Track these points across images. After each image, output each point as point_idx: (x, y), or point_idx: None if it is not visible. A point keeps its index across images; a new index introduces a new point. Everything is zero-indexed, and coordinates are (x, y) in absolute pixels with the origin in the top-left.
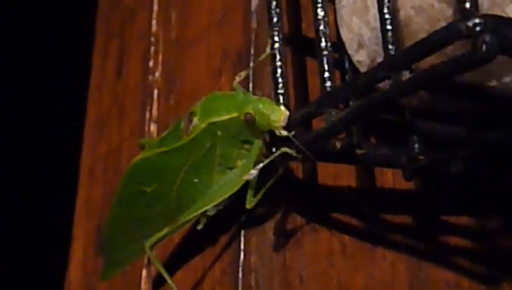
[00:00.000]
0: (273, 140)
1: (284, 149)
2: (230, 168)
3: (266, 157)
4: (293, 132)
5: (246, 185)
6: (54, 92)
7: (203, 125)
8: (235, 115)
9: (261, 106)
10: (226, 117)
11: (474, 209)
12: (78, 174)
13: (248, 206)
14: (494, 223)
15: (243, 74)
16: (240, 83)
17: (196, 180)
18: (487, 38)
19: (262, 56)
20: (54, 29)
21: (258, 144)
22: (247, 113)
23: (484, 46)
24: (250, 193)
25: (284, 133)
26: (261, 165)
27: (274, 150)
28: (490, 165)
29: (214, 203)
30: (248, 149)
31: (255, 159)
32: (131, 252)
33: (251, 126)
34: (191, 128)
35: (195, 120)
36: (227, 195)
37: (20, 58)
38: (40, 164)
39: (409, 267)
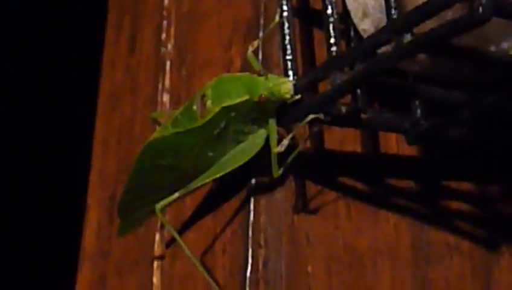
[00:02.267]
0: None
1: (312, 116)
2: (243, 141)
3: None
4: (299, 95)
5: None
6: (67, 67)
7: (217, 109)
8: (246, 97)
9: (271, 84)
10: (238, 100)
11: (475, 174)
12: (91, 146)
13: (275, 174)
14: (494, 188)
15: (255, 43)
16: None
17: (210, 153)
18: (483, 1)
19: (272, 24)
20: (68, 5)
21: (272, 121)
22: (261, 95)
23: (480, 8)
24: (274, 162)
25: (296, 98)
26: (291, 135)
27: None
28: (490, 130)
29: (226, 171)
30: (259, 124)
31: (275, 134)
32: (144, 214)
33: (265, 104)
34: (205, 111)
35: (209, 103)
36: (240, 164)
37: (35, 34)
38: (54, 137)
39: (411, 229)
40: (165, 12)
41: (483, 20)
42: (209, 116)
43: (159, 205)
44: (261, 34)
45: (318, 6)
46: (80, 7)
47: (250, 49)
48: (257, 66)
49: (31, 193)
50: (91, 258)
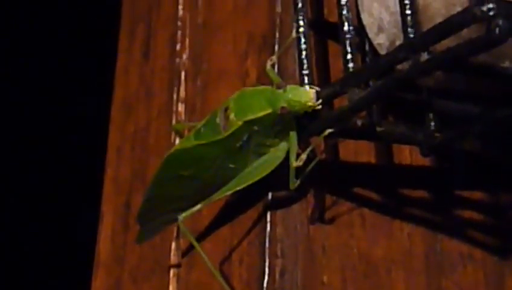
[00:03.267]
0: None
1: (329, 130)
2: (264, 154)
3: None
4: (320, 100)
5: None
6: (82, 74)
7: (240, 122)
8: (269, 111)
9: (290, 95)
10: (261, 114)
11: (487, 184)
12: (106, 153)
13: (292, 187)
14: (506, 198)
15: (273, 58)
16: (264, 67)
17: (232, 165)
18: (500, 22)
19: (289, 40)
20: (82, 13)
21: (293, 134)
22: (282, 107)
23: (497, 29)
24: (292, 174)
25: (319, 105)
26: (309, 149)
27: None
28: (503, 143)
29: (247, 184)
30: (280, 137)
31: (296, 147)
32: (164, 222)
33: (286, 117)
34: (228, 124)
35: (232, 116)
36: (260, 177)
37: (51, 42)
38: (69, 144)
39: (425, 239)
40: (179, 23)
41: (500, 41)
42: (232, 130)
43: (181, 217)
44: (276, 46)
45: (332, 18)
46: (94, 13)
47: (269, 63)
48: (276, 79)
49: (47, 200)
50: (106, 265)
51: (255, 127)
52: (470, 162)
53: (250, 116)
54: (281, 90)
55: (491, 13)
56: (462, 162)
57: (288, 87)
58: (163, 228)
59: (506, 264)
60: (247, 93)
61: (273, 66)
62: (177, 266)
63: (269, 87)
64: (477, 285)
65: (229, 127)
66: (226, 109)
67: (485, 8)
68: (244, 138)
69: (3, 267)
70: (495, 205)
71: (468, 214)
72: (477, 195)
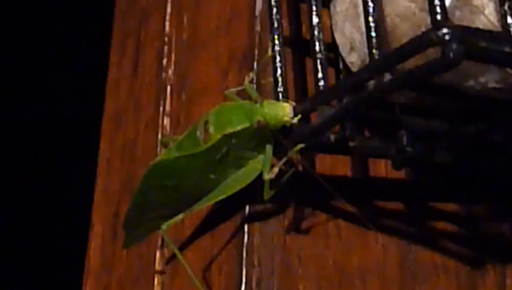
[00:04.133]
0: (285, 141)
1: (300, 145)
2: (243, 166)
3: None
4: (299, 116)
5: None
6: (72, 87)
7: (219, 136)
8: (246, 125)
9: (266, 110)
10: (239, 127)
11: (460, 196)
12: (96, 164)
13: (265, 197)
14: (479, 209)
15: (251, 74)
16: (243, 82)
17: (212, 176)
18: (454, 46)
19: (265, 58)
20: (74, 28)
21: (269, 148)
22: (258, 121)
23: (451, 53)
24: (266, 186)
25: (295, 120)
26: (282, 162)
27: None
28: (472, 155)
29: (227, 195)
30: (258, 150)
31: (270, 161)
32: (149, 229)
33: (263, 130)
34: (207, 137)
35: (211, 130)
36: (239, 188)
37: (44, 55)
38: (60, 155)
39: (399, 249)
40: (166, 39)
41: (454, 64)
42: (211, 142)
43: (164, 226)
44: (255, 63)
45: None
46: (86, 27)
47: (247, 79)
48: (254, 94)
49: (38, 209)
50: (95, 273)
51: (234, 140)
52: (443, 176)
53: (229, 130)
54: (257, 105)
55: (446, 38)
56: (435, 175)
57: (265, 102)
58: (148, 234)
59: (479, 274)
60: (226, 108)
61: (251, 81)
62: (162, 274)
63: (248, 101)
64: None
65: (209, 140)
66: (206, 123)
67: (440, 33)
68: (223, 151)
69: None
70: (467, 216)
71: (441, 225)
72: (450, 207)
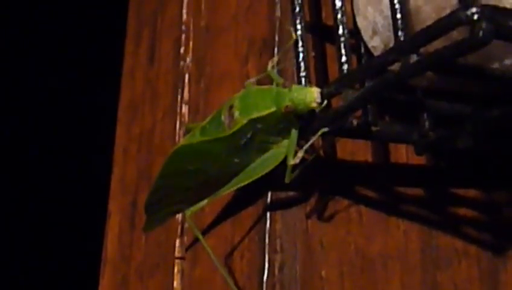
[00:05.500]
0: (310, 125)
1: (323, 129)
2: (267, 150)
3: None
4: (326, 101)
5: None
6: (88, 78)
7: (245, 120)
8: (273, 109)
9: (295, 94)
10: (266, 112)
11: (482, 182)
12: (113, 153)
13: (287, 180)
14: (500, 195)
15: (274, 59)
16: (264, 69)
17: (236, 160)
18: (484, 25)
19: (289, 44)
20: (90, 17)
21: (294, 132)
22: (286, 106)
23: (481, 32)
24: (289, 169)
25: (323, 105)
26: (305, 147)
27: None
28: (495, 140)
29: (251, 179)
30: (283, 135)
31: (295, 146)
32: (170, 212)
33: (289, 115)
34: (232, 122)
35: (236, 114)
36: (264, 172)
37: (62, 45)
38: (77, 145)
39: (420, 235)
40: (183, 27)
41: (483, 43)
42: (236, 127)
43: (188, 212)
44: (276, 49)
45: (330, 22)
46: (102, 17)
47: (270, 64)
48: (278, 79)
49: (56, 199)
50: (113, 263)
51: (259, 125)
52: (465, 161)
53: (255, 115)
54: (286, 90)
55: (475, 17)
56: (457, 160)
57: (293, 86)
58: (169, 217)
59: (500, 260)
60: (252, 92)
61: (273, 67)
62: (182, 262)
63: (274, 86)
64: (471, 280)
65: (234, 125)
66: (231, 107)
67: (469, 12)
68: (248, 135)
69: (15, 265)
70: (489, 202)
71: (463, 211)
72: (471, 192)
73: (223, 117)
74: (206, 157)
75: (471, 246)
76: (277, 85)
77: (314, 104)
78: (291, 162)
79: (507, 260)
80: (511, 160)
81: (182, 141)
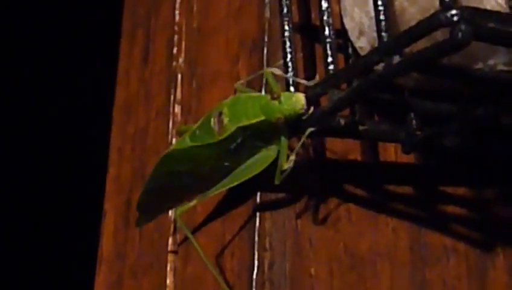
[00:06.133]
0: (296, 127)
1: (310, 129)
2: (256, 153)
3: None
4: (312, 107)
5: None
6: (83, 76)
7: (233, 128)
8: (262, 118)
9: (285, 106)
10: (254, 120)
11: (469, 180)
12: (107, 153)
13: (277, 181)
14: (488, 193)
15: (278, 64)
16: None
17: (226, 163)
18: (463, 27)
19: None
20: (85, 18)
21: (284, 139)
22: (278, 117)
23: (460, 34)
24: (278, 170)
25: (310, 111)
26: (296, 149)
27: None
28: (480, 139)
29: (241, 181)
30: (273, 139)
31: (286, 150)
32: (162, 209)
33: (279, 122)
34: (222, 128)
35: (226, 121)
36: (253, 174)
37: (57, 45)
38: (72, 145)
39: (409, 233)
40: (176, 28)
41: (462, 45)
42: (226, 134)
43: (178, 211)
44: (265, 49)
45: (318, 22)
46: (97, 18)
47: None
48: (275, 86)
49: (51, 200)
50: (108, 261)
51: (248, 132)
52: (453, 159)
53: (244, 122)
54: (276, 102)
55: (455, 19)
56: (445, 159)
57: (282, 97)
58: (161, 214)
59: (488, 257)
60: (241, 100)
61: (272, 73)
62: (174, 260)
63: (263, 95)
64: (460, 277)
65: (223, 132)
66: (220, 114)
67: (449, 14)
68: (238, 141)
69: (10, 264)
70: (477, 199)
71: (451, 208)
72: (460, 190)
73: (212, 123)
74: (197, 160)
75: (459, 243)
76: (270, 92)
77: (302, 111)
78: (285, 166)
79: (495, 257)
80: (497, 158)
81: (172, 146)
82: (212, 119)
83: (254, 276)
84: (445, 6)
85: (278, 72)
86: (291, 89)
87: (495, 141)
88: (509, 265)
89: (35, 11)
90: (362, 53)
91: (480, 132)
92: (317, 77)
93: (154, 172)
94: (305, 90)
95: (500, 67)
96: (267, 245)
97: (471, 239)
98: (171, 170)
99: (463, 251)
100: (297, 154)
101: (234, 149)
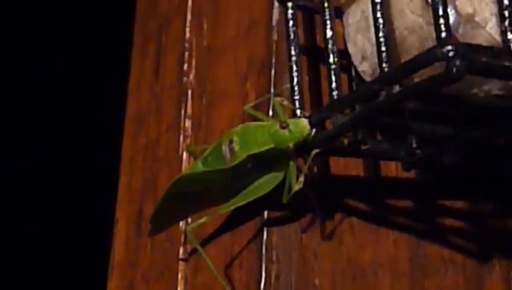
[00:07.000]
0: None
1: (316, 150)
2: (265, 174)
3: None
4: (314, 129)
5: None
6: (95, 89)
7: (244, 155)
8: (272, 145)
9: (295, 135)
10: (264, 148)
11: (467, 194)
12: (119, 162)
13: (284, 201)
14: (484, 206)
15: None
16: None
17: (236, 185)
18: (457, 62)
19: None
20: (97, 31)
21: (292, 163)
22: (287, 146)
23: (455, 69)
24: (286, 190)
25: (313, 133)
26: (304, 171)
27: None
28: (477, 156)
29: (249, 200)
30: (281, 163)
31: (295, 173)
32: (174, 221)
33: (289, 150)
34: (233, 155)
35: (237, 149)
36: (262, 194)
37: (70, 57)
38: (85, 154)
39: (409, 245)
40: (186, 44)
41: (457, 79)
42: (237, 161)
43: (189, 227)
44: (273, 70)
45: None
46: (109, 31)
47: (277, 100)
48: (282, 116)
49: (65, 207)
50: (120, 268)
51: (258, 158)
52: (452, 175)
53: (254, 150)
54: (285, 131)
55: (450, 54)
56: (444, 174)
57: (291, 125)
58: (173, 224)
59: (485, 268)
60: (250, 129)
61: (281, 102)
62: (185, 269)
63: (272, 123)
64: (457, 287)
65: (234, 159)
66: (231, 142)
67: (445, 50)
68: (248, 166)
69: (22, 270)
70: (474, 213)
71: (449, 221)
72: (457, 204)
73: (223, 150)
74: (208, 182)
75: (457, 254)
76: (278, 120)
77: (309, 136)
78: (296, 188)
79: (491, 267)
80: (493, 173)
81: (185, 170)
82: (223, 147)
83: (262, 286)
84: (440, 42)
85: (285, 102)
86: (298, 112)
87: (489, 158)
88: (505, 276)
89: (48, 24)
90: (365, 76)
91: (476, 149)
92: None
93: (167, 193)
94: (310, 115)
95: (495, 92)
96: (274, 257)
97: (468, 251)
98: (184, 191)
99: (460, 262)
100: (304, 175)
101: (244, 173)
